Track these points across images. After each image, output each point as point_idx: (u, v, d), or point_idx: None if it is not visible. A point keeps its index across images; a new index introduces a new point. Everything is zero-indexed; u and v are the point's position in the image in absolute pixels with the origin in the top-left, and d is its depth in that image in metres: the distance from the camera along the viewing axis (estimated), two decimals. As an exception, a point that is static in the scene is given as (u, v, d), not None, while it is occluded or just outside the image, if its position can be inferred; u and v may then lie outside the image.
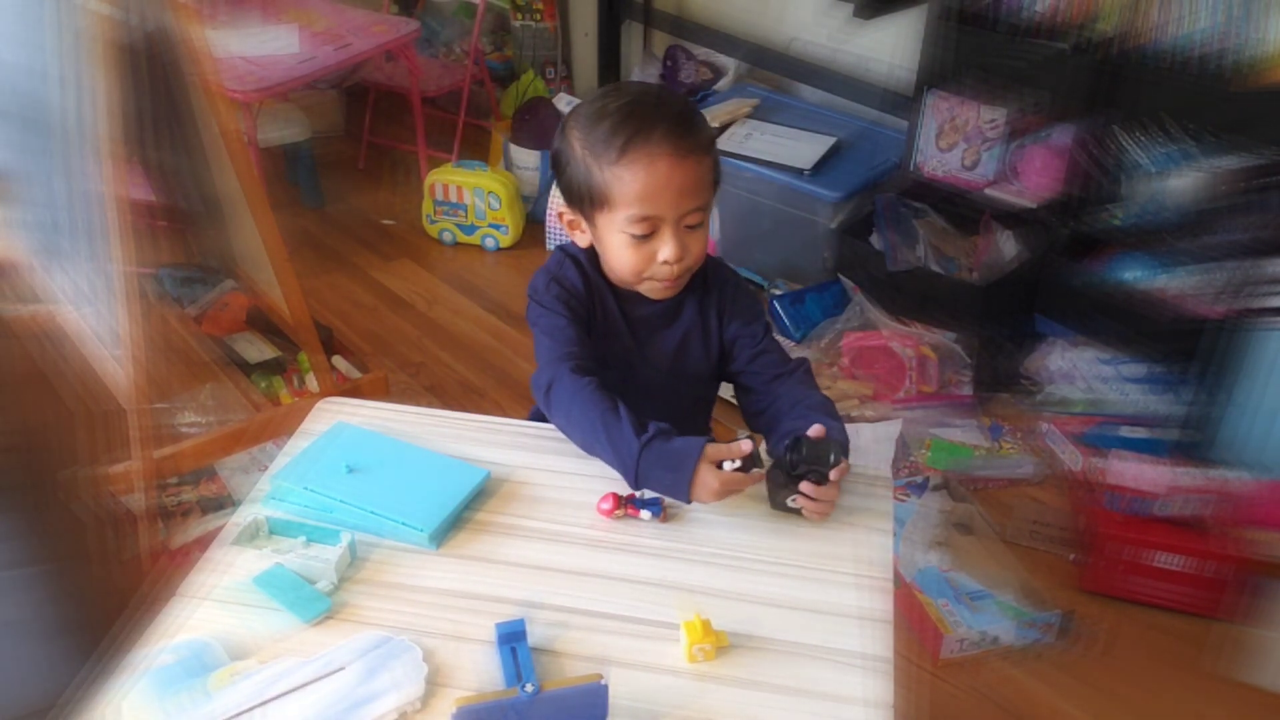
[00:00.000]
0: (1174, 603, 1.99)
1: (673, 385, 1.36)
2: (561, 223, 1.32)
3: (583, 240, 1.30)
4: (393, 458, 1.20)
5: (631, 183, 1.19)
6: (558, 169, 1.28)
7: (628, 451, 1.13)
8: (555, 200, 3.07)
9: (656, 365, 1.35)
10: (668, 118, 1.20)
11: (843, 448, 1.16)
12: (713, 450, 1.12)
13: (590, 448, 1.19)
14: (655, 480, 1.14)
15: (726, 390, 1.43)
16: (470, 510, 1.16)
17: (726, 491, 1.12)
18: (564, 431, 1.23)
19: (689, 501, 1.14)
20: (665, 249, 1.22)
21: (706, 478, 1.11)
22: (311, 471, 1.16)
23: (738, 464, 1.11)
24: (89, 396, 1.60)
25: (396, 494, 1.14)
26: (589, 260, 1.31)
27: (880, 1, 2.70)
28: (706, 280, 1.35)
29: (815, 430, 1.15)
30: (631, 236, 1.22)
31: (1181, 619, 1.98)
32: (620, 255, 1.25)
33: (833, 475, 1.13)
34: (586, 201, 1.24)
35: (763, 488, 1.16)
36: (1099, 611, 2.00)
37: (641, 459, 1.12)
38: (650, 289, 1.29)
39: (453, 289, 3.00)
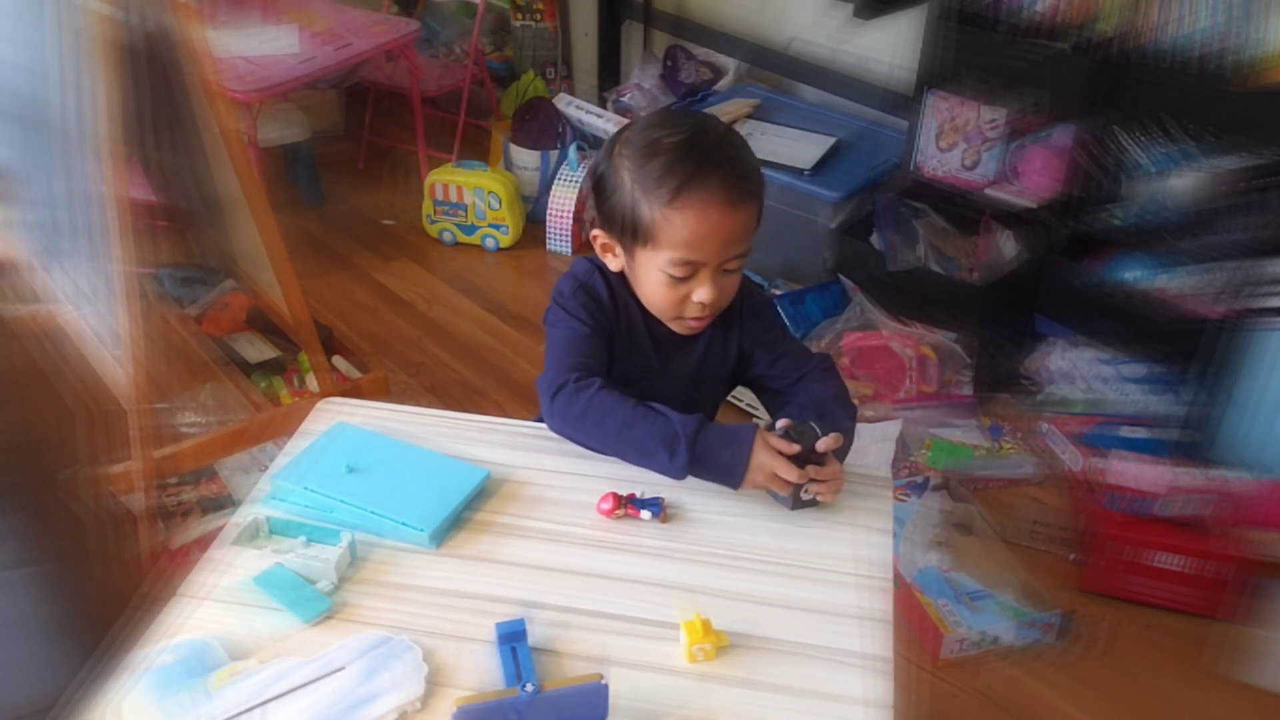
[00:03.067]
0: (1174, 603, 1.99)
1: (688, 397, 1.35)
2: (595, 244, 1.29)
3: (614, 265, 1.28)
4: (393, 458, 1.20)
5: (681, 227, 1.17)
6: (600, 192, 1.25)
7: (680, 434, 1.12)
8: (556, 200, 3.07)
9: (677, 380, 1.34)
10: (724, 162, 1.17)
11: (824, 426, 1.15)
12: (765, 433, 1.12)
13: (618, 446, 1.18)
14: (711, 460, 1.12)
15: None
16: (470, 510, 1.16)
17: (775, 476, 1.11)
18: (580, 433, 1.21)
19: (739, 486, 1.13)
20: (702, 292, 1.21)
21: (763, 457, 1.11)
22: (312, 471, 1.16)
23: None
24: (89, 396, 1.59)
25: (396, 494, 1.14)
26: (618, 275, 1.30)
27: (880, 1, 2.70)
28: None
29: (781, 423, 1.15)
30: (670, 277, 1.21)
31: (1181, 619, 1.98)
32: (655, 293, 1.24)
33: (820, 446, 1.12)
34: (629, 234, 1.21)
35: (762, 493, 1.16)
36: (1099, 611, 2.00)
37: (699, 439, 1.12)
38: (680, 326, 1.28)
39: (453, 289, 3.00)
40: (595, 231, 1.28)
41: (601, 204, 1.25)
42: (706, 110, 3.00)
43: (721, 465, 1.13)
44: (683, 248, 1.18)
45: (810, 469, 1.13)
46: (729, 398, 2.40)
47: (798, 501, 1.14)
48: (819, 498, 1.15)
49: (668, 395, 1.30)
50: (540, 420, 1.27)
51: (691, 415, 1.14)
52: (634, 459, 1.18)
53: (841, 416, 1.23)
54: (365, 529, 1.11)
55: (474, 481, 1.17)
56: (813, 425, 1.14)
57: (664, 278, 1.21)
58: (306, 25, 3.05)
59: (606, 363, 1.27)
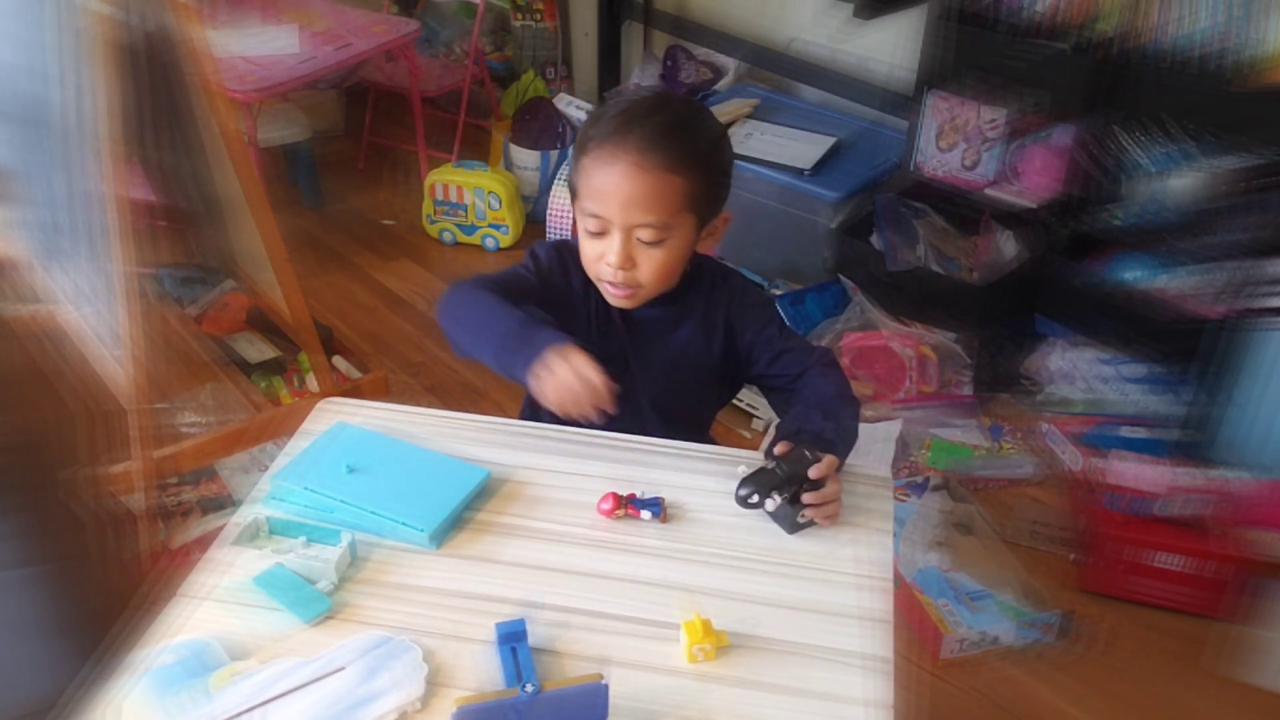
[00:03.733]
0: (1174, 603, 1.99)
1: (670, 393, 1.35)
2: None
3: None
4: (393, 458, 1.20)
5: (589, 177, 1.21)
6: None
7: (504, 326, 1.15)
8: (556, 200, 3.07)
9: (652, 370, 1.34)
10: (649, 126, 1.19)
11: (821, 446, 1.15)
12: (577, 354, 1.11)
13: (474, 342, 1.20)
14: (511, 354, 1.14)
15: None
16: (470, 510, 1.16)
17: (569, 393, 1.10)
18: (450, 329, 1.24)
19: (523, 379, 1.13)
20: (610, 254, 1.22)
21: (562, 372, 1.10)
22: (312, 471, 1.16)
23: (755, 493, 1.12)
24: (89, 396, 1.59)
25: (397, 494, 1.14)
26: None
27: (880, 2, 2.70)
28: (714, 289, 1.34)
29: (779, 449, 1.15)
30: (588, 232, 1.24)
31: (1182, 619, 1.98)
32: (581, 248, 1.27)
33: (812, 473, 1.12)
34: (571, 188, 1.27)
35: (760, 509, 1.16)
36: (1099, 612, 2.00)
37: (521, 330, 1.14)
38: (604, 291, 1.28)
39: (453, 289, 3.00)
40: None
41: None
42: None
43: (521, 356, 1.13)
44: (591, 198, 1.21)
45: (807, 496, 1.13)
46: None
47: (795, 525, 1.14)
48: (817, 521, 1.14)
49: (646, 388, 1.32)
50: (541, 421, 1.28)
51: (542, 322, 1.16)
52: (479, 346, 1.19)
53: (846, 416, 1.23)
54: (365, 529, 1.11)
55: (474, 481, 1.17)
56: (806, 451, 1.14)
57: (584, 232, 1.24)
58: (306, 25, 3.05)
59: (537, 287, 1.29)
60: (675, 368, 1.34)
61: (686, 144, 1.21)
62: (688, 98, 1.37)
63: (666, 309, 1.32)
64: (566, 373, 1.11)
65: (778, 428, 1.23)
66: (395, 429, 1.26)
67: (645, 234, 1.21)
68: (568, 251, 1.33)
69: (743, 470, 1.15)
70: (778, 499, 1.12)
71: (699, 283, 1.33)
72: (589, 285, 1.31)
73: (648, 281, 1.25)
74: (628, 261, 1.22)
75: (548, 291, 1.30)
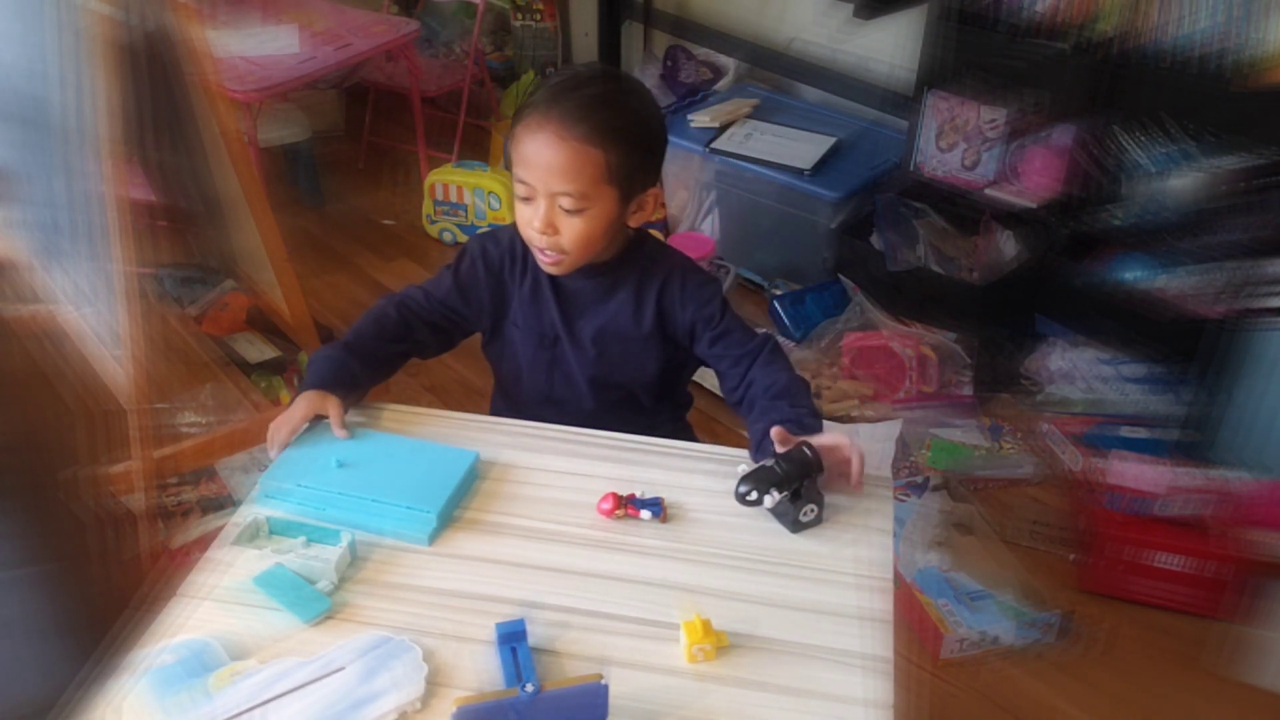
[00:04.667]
0: (1174, 603, 1.99)
1: (600, 365, 1.39)
2: None
3: None
4: (380, 449, 1.20)
5: (519, 145, 1.26)
6: None
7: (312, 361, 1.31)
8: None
9: (581, 342, 1.38)
10: (574, 100, 1.24)
11: (805, 431, 1.19)
12: (315, 395, 1.23)
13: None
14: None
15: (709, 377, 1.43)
16: (470, 510, 1.16)
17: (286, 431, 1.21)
18: None
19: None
20: (535, 218, 1.26)
21: (295, 410, 1.23)
22: (301, 468, 1.16)
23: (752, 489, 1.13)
24: (89, 396, 1.59)
25: (392, 483, 1.14)
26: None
27: (880, 1, 2.70)
28: (652, 264, 1.37)
29: (776, 434, 1.17)
30: (518, 196, 1.28)
31: (1182, 619, 1.98)
32: (516, 211, 1.31)
33: (818, 441, 1.16)
34: (505, 156, 1.34)
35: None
36: (1099, 612, 2.00)
37: (310, 365, 1.30)
38: (536, 258, 1.33)
39: (453, 289, 3.00)
40: None
41: None
42: (707, 110, 3.00)
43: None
44: (520, 165, 1.26)
45: (811, 493, 1.14)
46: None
47: (797, 524, 1.14)
48: (850, 488, 1.18)
49: (577, 355, 1.38)
50: (494, 413, 1.31)
51: (337, 358, 1.30)
52: None
53: (806, 397, 1.28)
54: (364, 525, 1.11)
55: (466, 463, 1.18)
56: (805, 449, 1.14)
57: (517, 198, 1.29)
58: (306, 25, 3.05)
59: (446, 303, 1.39)
60: (603, 339, 1.38)
61: (610, 119, 1.24)
62: (628, 76, 1.39)
63: (596, 281, 1.36)
64: (286, 412, 1.23)
65: (752, 430, 1.26)
66: (395, 428, 1.26)
67: (566, 202, 1.25)
68: (498, 237, 1.40)
69: (742, 469, 1.15)
70: (777, 495, 1.12)
71: (636, 258, 1.36)
72: (525, 262, 1.37)
73: (571, 248, 1.29)
74: (550, 227, 1.26)
75: (467, 286, 1.39)
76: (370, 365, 1.33)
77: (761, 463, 1.15)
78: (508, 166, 1.32)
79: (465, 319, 1.42)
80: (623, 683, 0.93)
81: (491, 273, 1.39)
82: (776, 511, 1.14)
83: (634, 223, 1.33)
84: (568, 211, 1.25)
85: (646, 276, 1.36)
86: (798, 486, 1.13)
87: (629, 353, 1.39)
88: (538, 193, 1.25)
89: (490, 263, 1.39)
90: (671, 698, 0.95)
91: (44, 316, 1.81)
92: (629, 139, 1.26)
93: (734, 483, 1.15)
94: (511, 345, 1.42)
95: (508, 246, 1.38)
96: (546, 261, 1.31)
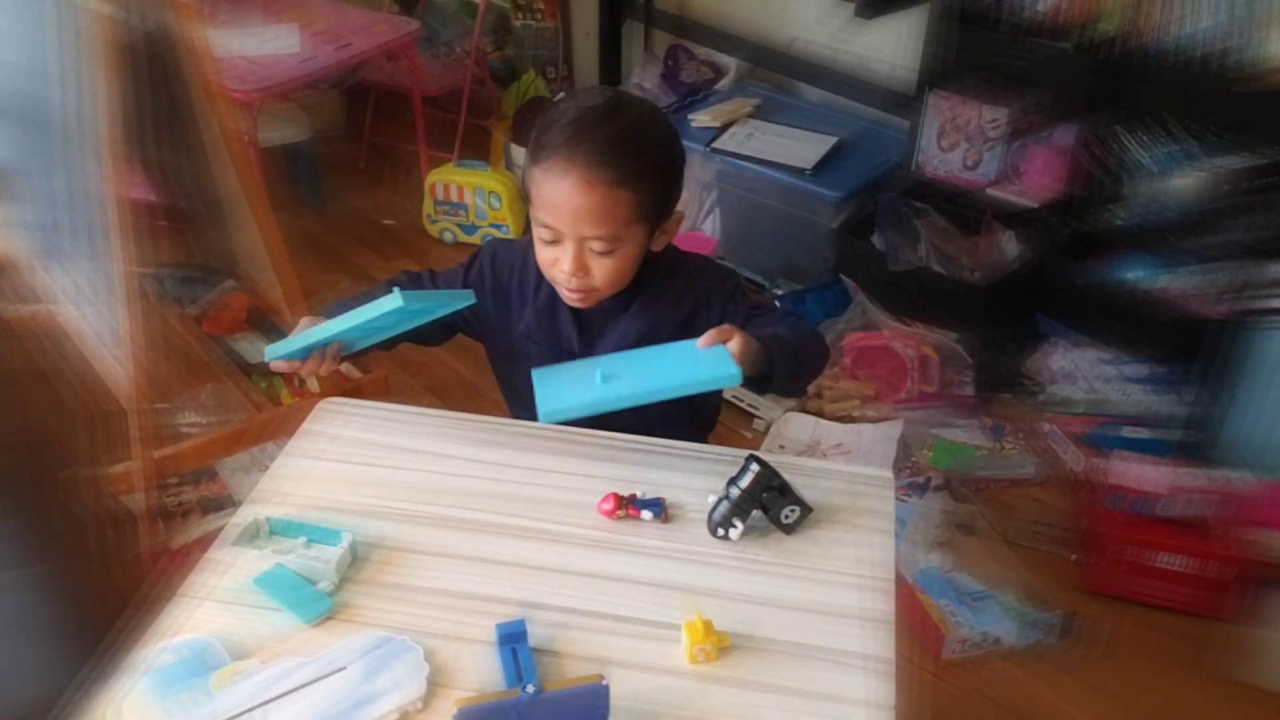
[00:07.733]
0: (1176, 603, 1.99)
1: None
2: None
3: None
4: (631, 358, 1.23)
5: (540, 189, 1.22)
6: None
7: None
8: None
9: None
10: (598, 140, 1.19)
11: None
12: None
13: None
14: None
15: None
16: (470, 510, 1.15)
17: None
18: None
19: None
20: (564, 261, 1.24)
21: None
22: (568, 391, 1.20)
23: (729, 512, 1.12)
24: (89, 396, 1.59)
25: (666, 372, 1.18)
26: None
27: (881, 1, 2.70)
28: (672, 276, 1.36)
29: (712, 332, 1.18)
30: (541, 239, 1.26)
31: (1183, 620, 1.98)
32: (537, 252, 1.29)
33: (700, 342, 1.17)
34: (523, 192, 1.30)
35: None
36: (1101, 612, 1.99)
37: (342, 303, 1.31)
38: (560, 293, 1.31)
39: (453, 289, 3.00)
40: None
41: None
42: (708, 109, 3.00)
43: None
44: (543, 209, 1.23)
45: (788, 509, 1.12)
46: (729, 396, 2.39)
47: (787, 528, 1.13)
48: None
49: None
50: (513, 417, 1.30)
51: (346, 303, 1.29)
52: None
53: (795, 329, 1.29)
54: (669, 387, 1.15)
55: (724, 370, 1.17)
56: (754, 463, 1.11)
57: (538, 239, 1.27)
58: (307, 25, 3.05)
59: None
60: None
61: (636, 157, 1.22)
62: (638, 100, 1.35)
63: (615, 299, 1.34)
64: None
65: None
66: (395, 428, 1.26)
67: (597, 245, 1.23)
68: (512, 248, 1.38)
69: (711, 499, 1.14)
70: (740, 525, 1.11)
71: (654, 271, 1.35)
72: (539, 280, 1.34)
73: (602, 285, 1.28)
74: (581, 270, 1.25)
75: (489, 297, 1.38)
76: None
77: (720, 497, 1.13)
78: (525, 201, 1.29)
79: (465, 319, 1.41)
80: (623, 683, 0.93)
81: (498, 284, 1.38)
82: (760, 527, 1.14)
83: (657, 246, 1.32)
84: (598, 253, 1.24)
85: (669, 285, 1.35)
86: (760, 500, 1.11)
87: None
88: (565, 236, 1.23)
89: (499, 274, 1.38)
90: (672, 698, 0.95)
91: (44, 316, 1.81)
92: (655, 173, 1.24)
93: None
94: (528, 362, 1.38)
95: (520, 261, 1.37)
96: (574, 298, 1.29)
